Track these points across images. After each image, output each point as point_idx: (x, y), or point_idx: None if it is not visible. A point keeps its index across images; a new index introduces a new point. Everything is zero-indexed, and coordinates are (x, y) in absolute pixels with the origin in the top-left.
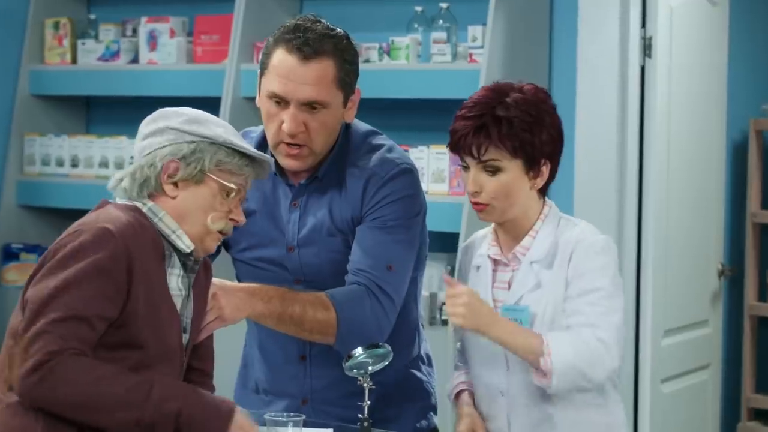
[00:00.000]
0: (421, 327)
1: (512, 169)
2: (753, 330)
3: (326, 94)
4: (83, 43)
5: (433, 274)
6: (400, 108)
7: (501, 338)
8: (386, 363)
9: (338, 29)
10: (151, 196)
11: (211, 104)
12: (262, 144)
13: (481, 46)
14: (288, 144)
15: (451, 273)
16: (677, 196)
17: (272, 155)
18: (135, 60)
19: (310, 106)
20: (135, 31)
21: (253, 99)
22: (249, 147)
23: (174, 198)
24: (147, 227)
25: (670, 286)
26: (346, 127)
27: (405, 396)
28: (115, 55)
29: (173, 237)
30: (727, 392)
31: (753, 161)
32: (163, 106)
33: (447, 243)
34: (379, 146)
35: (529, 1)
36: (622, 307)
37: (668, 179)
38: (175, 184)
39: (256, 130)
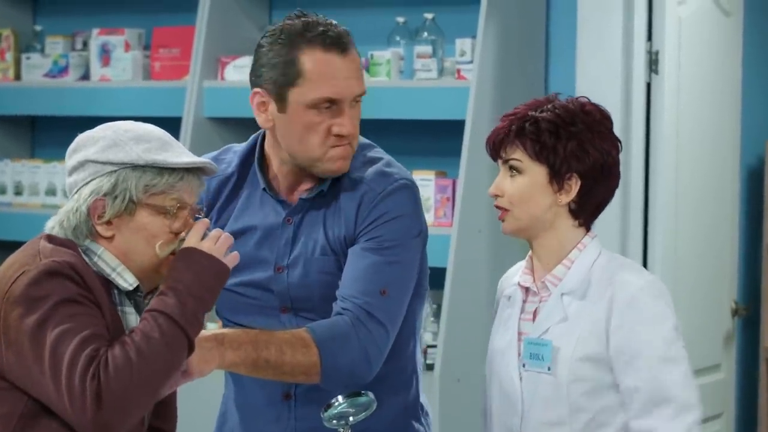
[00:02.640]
0: (419, 369)
1: (534, 174)
2: None
3: (364, 84)
4: (28, 58)
5: None
6: (380, 130)
7: None
8: (369, 412)
9: None
10: (90, 237)
11: (170, 125)
12: (246, 159)
13: (471, 61)
14: (338, 146)
15: (438, 312)
16: (686, 227)
17: (289, 169)
18: (86, 76)
19: (355, 100)
20: (86, 45)
21: (217, 119)
22: (178, 157)
23: (111, 238)
24: (87, 266)
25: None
26: None
27: None
28: (64, 70)
29: (114, 275)
30: None
31: None
32: None
33: (432, 279)
34: (377, 159)
35: (523, 11)
36: (683, 352)
37: (676, 208)
38: (109, 222)
39: (236, 147)
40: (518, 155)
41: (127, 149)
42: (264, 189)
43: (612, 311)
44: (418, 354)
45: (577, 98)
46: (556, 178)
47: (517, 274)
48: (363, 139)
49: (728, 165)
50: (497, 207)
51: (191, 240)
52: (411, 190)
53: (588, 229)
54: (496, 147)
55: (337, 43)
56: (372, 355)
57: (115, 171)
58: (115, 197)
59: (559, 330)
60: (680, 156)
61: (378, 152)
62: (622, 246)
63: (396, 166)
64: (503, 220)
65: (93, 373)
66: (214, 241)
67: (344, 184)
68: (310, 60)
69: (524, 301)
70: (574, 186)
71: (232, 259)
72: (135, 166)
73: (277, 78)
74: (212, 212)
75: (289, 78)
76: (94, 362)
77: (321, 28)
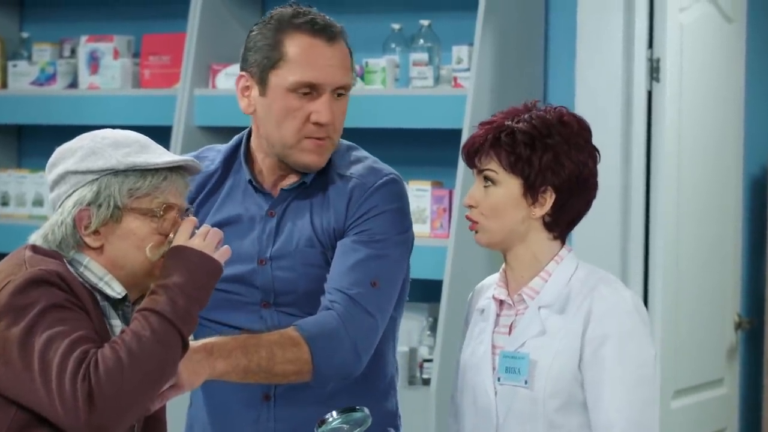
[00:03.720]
0: (396, 377)
1: (508, 186)
2: None
3: (350, 78)
4: (14, 65)
5: (412, 327)
6: (375, 139)
7: None
8: (364, 428)
9: None
10: (76, 249)
11: (160, 134)
12: (231, 156)
13: (467, 69)
14: (315, 138)
15: (434, 325)
16: (688, 239)
17: (277, 158)
18: (73, 84)
19: (337, 92)
20: (74, 52)
21: (208, 129)
22: (160, 158)
23: (100, 248)
24: (73, 276)
25: (681, 340)
26: None
27: None
28: (51, 78)
29: (101, 284)
30: None
31: None
32: None
33: (429, 291)
34: (364, 158)
35: (521, 17)
36: (652, 376)
37: (678, 219)
38: (96, 231)
39: (218, 146)
40: (493, 166)
41: (106, 156)
42: (249, 181)
43: (588, 323)
44: (396, 363)
45: (555, 108)
46: (531, 191)
47: (489, 288)
48: (346, 141)
49: (731, 175)
50: (468, 218)
51: (180, 238)
52: (400, 185)
53: (563, 242)
54: (471, 156)
55: (325, 30)
56: (361, 348)
57: (97, 179)
58: (100, 205)
59: (537, 344)
60: (682, 165)
61: (363, 152)
62: (622, 258)
63: (382, 163)
64: (476, 232)
65: (83, 374)
66: (203, 238)
67: (332, 178)
68: (294, 43)
69: (498, 315)
70: (549, 199)
71: (223, 254)
72: (116, 172)
73: (261, 60)
74: (193, 206)
75: (272, 60)
76: (83, 364)
77: (311, 16)
